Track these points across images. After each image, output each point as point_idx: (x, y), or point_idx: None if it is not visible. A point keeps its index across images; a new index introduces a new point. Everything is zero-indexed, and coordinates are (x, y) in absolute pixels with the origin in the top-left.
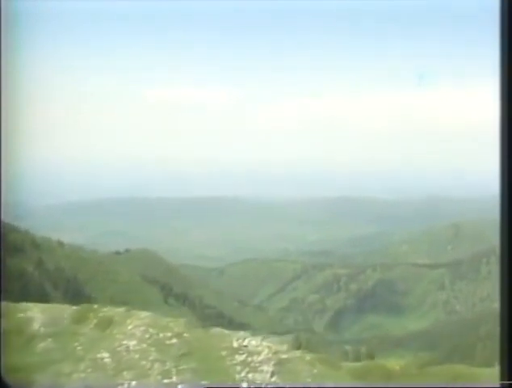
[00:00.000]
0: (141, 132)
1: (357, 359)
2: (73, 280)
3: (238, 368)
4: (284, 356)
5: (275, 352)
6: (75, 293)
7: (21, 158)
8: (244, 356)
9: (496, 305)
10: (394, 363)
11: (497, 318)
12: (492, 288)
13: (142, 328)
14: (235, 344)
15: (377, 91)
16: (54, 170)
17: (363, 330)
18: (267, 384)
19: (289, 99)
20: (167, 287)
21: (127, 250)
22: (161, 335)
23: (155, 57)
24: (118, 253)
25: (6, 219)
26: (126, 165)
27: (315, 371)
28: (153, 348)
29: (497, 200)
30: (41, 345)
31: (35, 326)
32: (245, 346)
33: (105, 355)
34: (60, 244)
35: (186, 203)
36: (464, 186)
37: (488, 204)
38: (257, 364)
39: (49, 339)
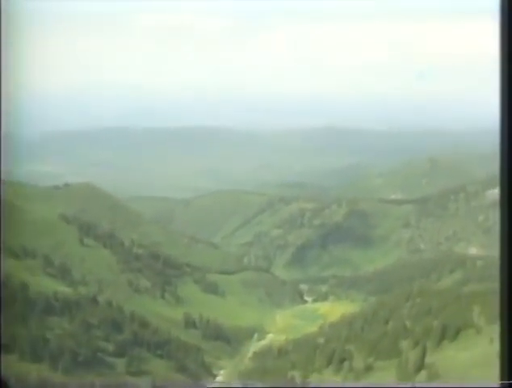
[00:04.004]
0: (130, 59)
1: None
2: None
3: None
4: None
5: None
6: None
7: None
8: None
9: (461, 244)
10: None
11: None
12: (458, 226)
13: None
14: None
15: (373, 21)
16: (40, 98)
17: (323, 267)
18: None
19: (282, 28)
20: (87, 226)
21: (66, 185)
22: None
23: None
24: (57, 188)
25: None
26: (114, 93)
27: None
28: None
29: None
30: None
31: None
32: None
33: None
34: None
35: (171, 133)
36: (458, 119)
37: (478, 136)
38: None
39: None
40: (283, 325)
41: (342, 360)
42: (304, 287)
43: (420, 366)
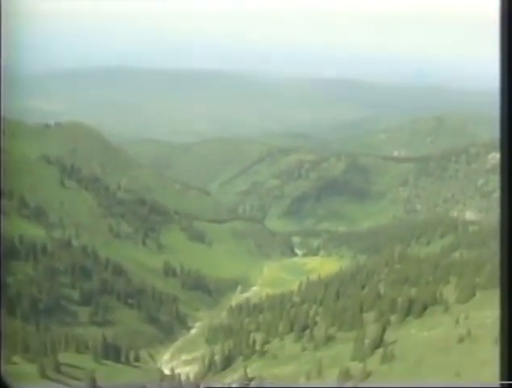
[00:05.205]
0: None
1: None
2: None
3: None
4: None
5: None
6: None
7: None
8: None
9: (458, 207)
10: None
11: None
12: (457, 188)
13: None
14: None
15: None
16: (45, 34)
17: (317, 220)
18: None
19: None
20: (70, 168)
21: (57, 124)
22: None
23: None
24: (47, 126)
25: None
26: (122, 32)
27: None
28: None
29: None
30: None
31: None
32: None
33: None
34: None
35: (180, 75)
36: (470, 78)
37: (486, 97)
38: None
39: None
40: (269, 278)
41: (305, 328)
42: (296, 240)
43: (378, 344)
